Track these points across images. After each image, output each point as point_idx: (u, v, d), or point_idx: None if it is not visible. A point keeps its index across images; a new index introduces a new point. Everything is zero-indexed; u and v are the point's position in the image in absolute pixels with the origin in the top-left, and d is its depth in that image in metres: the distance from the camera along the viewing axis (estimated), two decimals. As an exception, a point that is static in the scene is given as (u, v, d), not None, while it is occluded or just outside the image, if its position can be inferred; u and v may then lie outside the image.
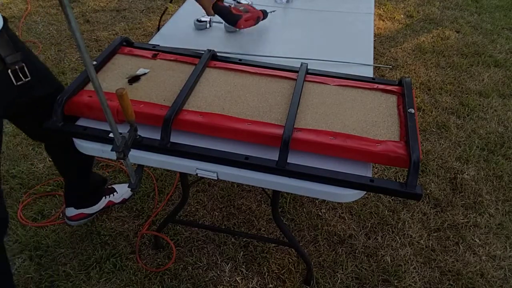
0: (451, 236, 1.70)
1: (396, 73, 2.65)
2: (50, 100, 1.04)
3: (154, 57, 1.21)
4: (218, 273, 1.55)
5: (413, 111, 1.02)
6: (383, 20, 3.23)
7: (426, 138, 2.17)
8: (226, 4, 1.39)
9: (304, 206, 1.79)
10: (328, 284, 1.52)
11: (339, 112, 1.04)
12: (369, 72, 1.27)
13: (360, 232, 1.70)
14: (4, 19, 1.07)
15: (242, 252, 1.61)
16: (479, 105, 2.41)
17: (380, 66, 2.67)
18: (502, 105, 2.42)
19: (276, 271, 1.56)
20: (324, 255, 1.61)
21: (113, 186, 1.77)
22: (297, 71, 1.17)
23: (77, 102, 1.03)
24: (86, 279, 1.51)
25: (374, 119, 1.03)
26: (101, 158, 1.94)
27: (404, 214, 1.78)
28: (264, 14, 1.46)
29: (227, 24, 1.48)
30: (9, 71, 1.06)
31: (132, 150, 0.94)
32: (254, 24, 1.42)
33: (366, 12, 1.64)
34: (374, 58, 1.37)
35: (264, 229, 1.70)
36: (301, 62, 1.19)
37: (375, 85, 1.14)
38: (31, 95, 1.16)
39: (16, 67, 1.07)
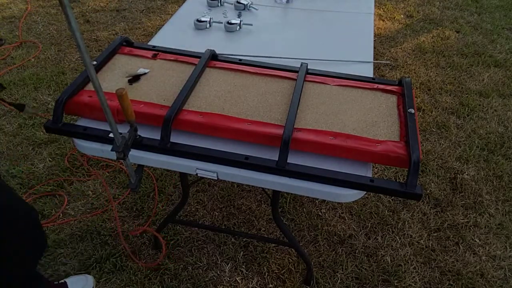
0: (451, 236, 1.70)
1: (396, 73, 2.65)
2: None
3: (154, 57, 1.21)
4: (218, 273, 1.55)
5: (413, 111, 1.02)
6: (383, 20, 3.23)
7: (426, 138, 2.17)
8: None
9: (304, 206, 1.79)
10: (328, 284, 1.52)
11: (339, 112, 1.04)
12: (369, 72, 1.27)
13: (360, 232, 1.70)
14: None
15: (242, 252, 1.61)
16: (479, 105, 2.41)
17: (379, 62, 2.67)
18: (502, 105, 2.42)
19: (276, 271, 1.56)
20: (324, 255, 1.61)
21: (66, 280, 1.44)
22: (297, 71, 1.17)
23: (77, 102, 1.03)
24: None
25: (374, 119, 1.03)
26: (101, 158, 1.94)
27: (404, 214, 1.77)
28: None
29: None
30: None
31: (132, 150, 0.94)
32: None
33: (366, 12, 1.64)
34: (374, 58, 1.37)
35: (264, 229, 1.70)
36: (301, 62, 1.19)
37: (375, 85, 1.14)
38: None
39: None
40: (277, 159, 0.93)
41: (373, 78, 1.17)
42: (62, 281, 1.44)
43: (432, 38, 3.03)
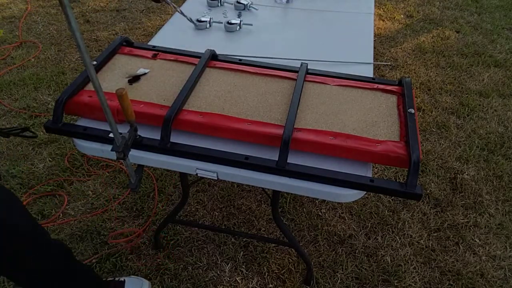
0: (451, 236, 1.70)
1: (396, 73, 2.65)
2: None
3: (154, 57, 1.21)
4: (218, 273, 1.55)
5: (413, 111, 1.02)
6: (383, 20, 3.23)
7: (426, 138, 2.17)
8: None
9: (304, 206, 1.79)
10: (328, 284, 1.52)
11: (339, 112, 1.04)
12: (369, 72, 1.27)
13: (360, 232, 1.70)
14: None
15: (242, 252, 1.61)
16: (479, 105, 2.41)
17: (379, 64, 2.67)
18: (502, 105, 2.42)
19: (276, 271, 1.56)
20: (324, 255, 1.61)
21: (125, 279, 1.42)
22: (297, 71, 1.17)
23: (77, 102, 1.03)
24: (86, 279, 1.51)
25: (374, 119, 1.03)
26: (101, 158, 1.94)
27: (404, 214, 1.77)
28: None
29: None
30: None
31: (132, 150, 0.94)
32: None
33: (366, 12, 1.64)
34: (374, 58, 1.37)
35: (264, 229, 1.70)
36: (301, 62, 1.19)
37: (375, 85, 1.14)
38: None
39: None
40: (277, 159, 0.93)
41: (373, 78, 1.17)
42: (122, 279, 1.42)
43: (432, 38, 3.03)
